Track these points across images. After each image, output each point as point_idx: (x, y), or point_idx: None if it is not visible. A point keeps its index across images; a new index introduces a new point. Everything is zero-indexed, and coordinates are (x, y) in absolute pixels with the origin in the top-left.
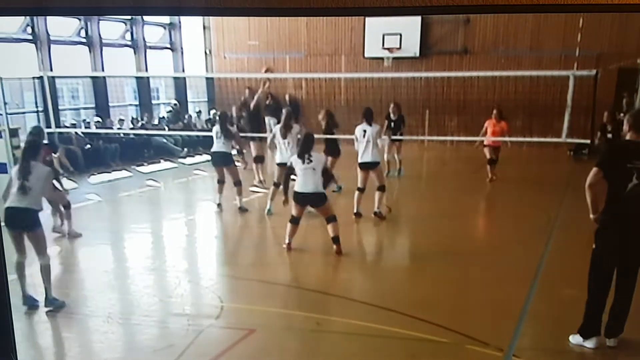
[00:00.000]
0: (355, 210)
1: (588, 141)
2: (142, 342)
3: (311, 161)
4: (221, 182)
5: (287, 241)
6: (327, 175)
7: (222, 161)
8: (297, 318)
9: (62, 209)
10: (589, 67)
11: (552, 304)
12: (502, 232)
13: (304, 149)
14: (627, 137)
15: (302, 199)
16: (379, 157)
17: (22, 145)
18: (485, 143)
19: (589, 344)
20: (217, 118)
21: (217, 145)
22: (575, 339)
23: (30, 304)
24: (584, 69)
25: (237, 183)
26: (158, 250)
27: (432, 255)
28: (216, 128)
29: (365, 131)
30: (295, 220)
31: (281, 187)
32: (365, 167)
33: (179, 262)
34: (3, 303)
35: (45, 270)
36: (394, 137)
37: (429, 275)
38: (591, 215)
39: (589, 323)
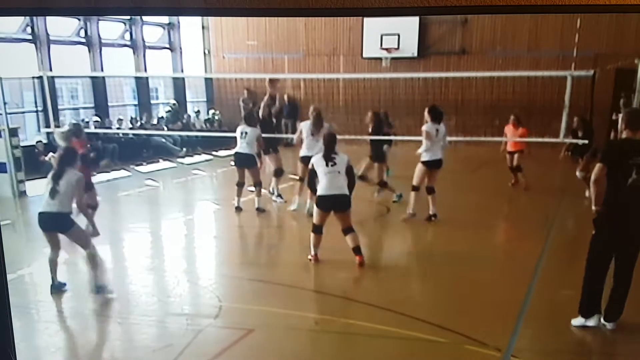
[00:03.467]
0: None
1: (586, 141)
2: (141, 342)
3: (335, 164)
4: (241, 184)
5: (312, 253)
6: (352, 178)
7: (245, 163)
8: (295, 318)
9: None
10: (586, 67)
11: (550, 304)
12: (500, 232)
13: (328, 151)
14: (624, 136)
15: (326, 202)
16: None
17: (21, 145)
18: (508, 149)
19: (591, 322)
20: (243, 118)
21: (241, 147)
22: (577, 321)
23: (59, 288)
24: (582, 69)
25: (258, 184)
26: (157, 249)
27: (430, 256)
28: (241, 128)
29: (437, 130)
30: (318, 229)
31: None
32: (433, 165)
33: (177, 261)
34: (3, 303)
35: (91, 260)
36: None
37: (428, 275)
38: (593, 207)
39: (588, 302)
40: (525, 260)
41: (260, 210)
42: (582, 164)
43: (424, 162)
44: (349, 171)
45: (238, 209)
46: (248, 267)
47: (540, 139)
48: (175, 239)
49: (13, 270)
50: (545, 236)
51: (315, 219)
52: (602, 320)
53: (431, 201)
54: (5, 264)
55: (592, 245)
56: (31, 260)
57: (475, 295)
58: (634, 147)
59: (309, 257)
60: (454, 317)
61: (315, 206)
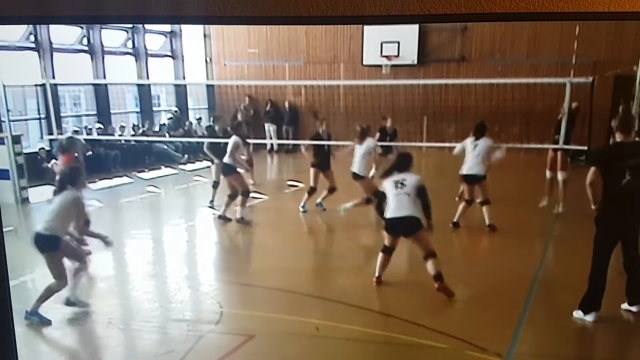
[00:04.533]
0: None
1: (585, 147)
2: (143, 348)
3: (404, 185)
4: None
5: (377, 274)
6: (425, 199)
7: (225, 172)
8: (296, 324)
9: None
10: (585, 74)
11: (550, 310)
12: (500, 238)
13: (398, 172)
14: (617, 139)
15: (394, 225)
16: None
17: (24, 152)
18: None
19: (589, 317)
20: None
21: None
22: (577, 313)
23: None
24: (581, 76)
25: (242, 193)
26: (158, 256)
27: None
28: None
29: (476, 145)
30: (387, 251)
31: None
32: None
33: (179, 268)
34: (5, 308)
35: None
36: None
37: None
38: (592, 206)
39: (590, 299)
40: (525, 265)
41: (241, 221)
42: (551, 161)
43: (460, 175)
44: (421, 192)
45: (240, 220)
46: (249, 273)
47: (539, 145)
48: (176, 245)
49: (15, 277)
50: (545, 241)
51: (385, 241)
52: (626, 305)
53: (485, 211)
54: (8, 270)
55: (594, 245)
56: (34, 267)
57: (476, 300)
58: (627, 149)
59: (373, 279)
60: (454, 323)
61: (384, 230)
